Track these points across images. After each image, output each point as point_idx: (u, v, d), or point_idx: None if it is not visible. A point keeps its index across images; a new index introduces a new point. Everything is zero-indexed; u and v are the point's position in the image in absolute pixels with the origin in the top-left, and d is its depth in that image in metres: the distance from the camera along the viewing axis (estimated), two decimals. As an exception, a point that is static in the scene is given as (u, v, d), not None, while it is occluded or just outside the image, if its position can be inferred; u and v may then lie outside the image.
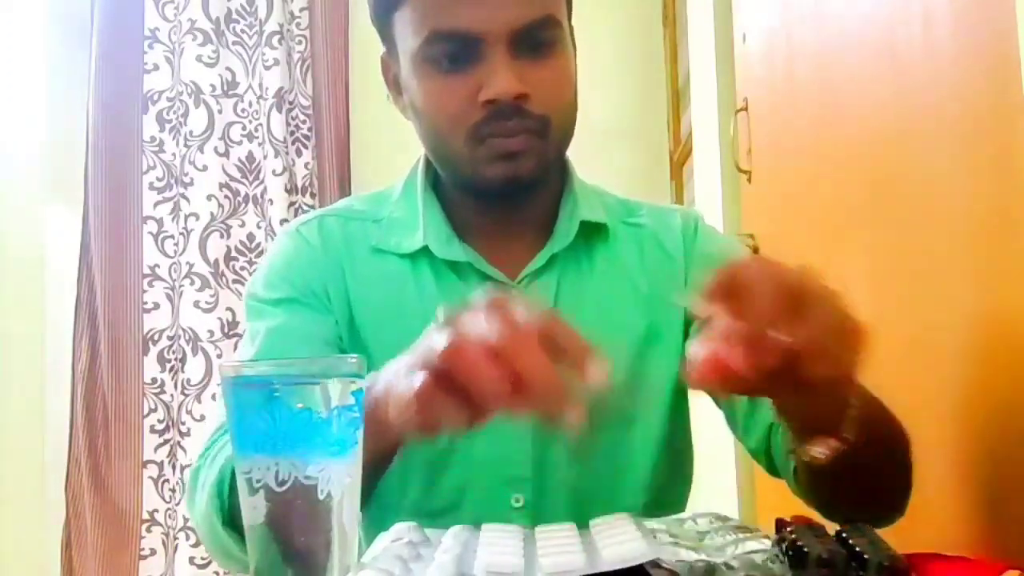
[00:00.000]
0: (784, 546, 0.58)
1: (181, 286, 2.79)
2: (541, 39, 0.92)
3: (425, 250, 0.99)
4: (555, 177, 1.02)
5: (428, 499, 0.96)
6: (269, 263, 1.04)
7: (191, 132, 2.82)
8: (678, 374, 1.00)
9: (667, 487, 1.01)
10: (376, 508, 0.93)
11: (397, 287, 0.99)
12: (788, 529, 0.60)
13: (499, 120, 0.91)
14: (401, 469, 0.87)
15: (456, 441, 0.95)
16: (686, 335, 1.01)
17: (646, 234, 1.05)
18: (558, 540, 0.62)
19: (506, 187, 0.94)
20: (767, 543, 0.59)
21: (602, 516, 0.69)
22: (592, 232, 1.02)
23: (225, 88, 2.85)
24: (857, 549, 0.57)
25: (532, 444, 0.96)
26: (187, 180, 2.81)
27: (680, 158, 2.74)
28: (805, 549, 0.56)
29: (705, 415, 1.08)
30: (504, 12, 0.89)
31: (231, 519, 0.84)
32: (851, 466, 0.72)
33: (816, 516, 0.66)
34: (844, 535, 0.60)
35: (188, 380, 2.76)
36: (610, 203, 1.07)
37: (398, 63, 0.97)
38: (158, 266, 2.80)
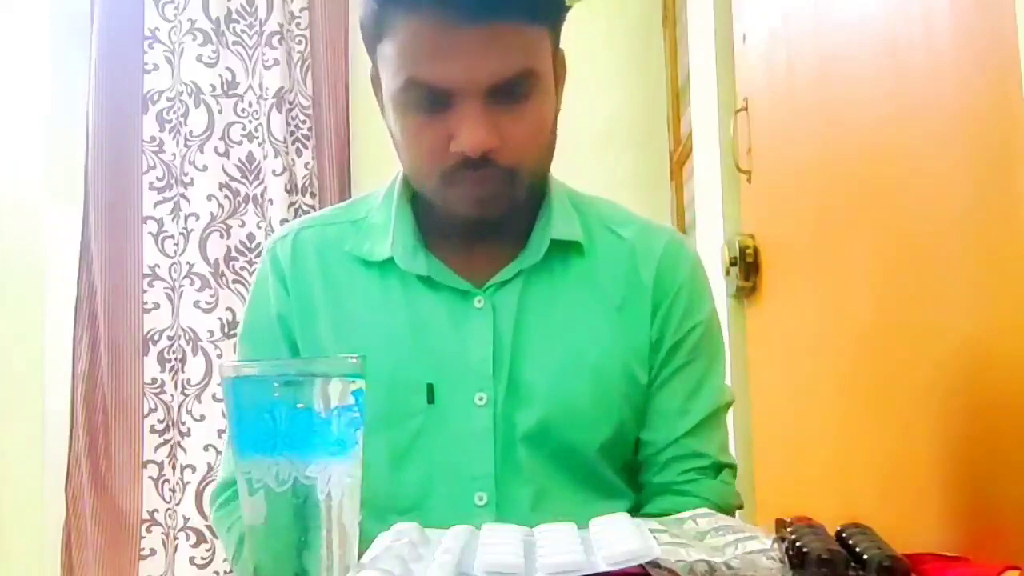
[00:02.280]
0: (784, 546, 0.58)
1: (181, 286, 2.79)
2: (517, 91, 0.92)
3: (394, 260, 1.02)
4: (533, 194, 1.04)
5: (392, 497, 0.99)
6: (249, 298, 1.10)
7: (191, 132, 2.82)
8: (636, 386, 1.03)
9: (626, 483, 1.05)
10: None
11: (363, 291, 1.03)
12: (788, 529, 0.60)
13: (469, 169, 0.93)
14: (363, 468, 0.89)
15: (416, 441, 0.99)
16: (652, 352, 1.04)
17: (625, 249, 1.06)
18: (558, 540, 0.62)
19: (475, 223, 0.98)
20: (767, 543, 0.59)
21: (602, 516, 0.69)
22: (567, 247, 1.04)
23: (225, 88, 2.84)
24: (857, 549, 0.57)
25: (494, 444, 0.99)
26: (187, 180, 2.81)
27: (680, 158, 2.74)
28: (805, 549, 0.56)
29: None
30: (480, 70, 0.90)
31: None
32: None
33: (817, 516, 0.66)
34: (844, 535, 0.60)
35: (188, 380, 2.76)
36: (594, 214, 1.08)
37: (380, 90, 1.00)
38: (158, 266, 2.80)
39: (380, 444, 0.98)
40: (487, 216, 0.97)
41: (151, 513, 2.72)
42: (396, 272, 1.02)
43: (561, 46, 1.02)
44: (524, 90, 0.93)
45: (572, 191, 1.09)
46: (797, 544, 0.57)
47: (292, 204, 2.79)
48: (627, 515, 0.68)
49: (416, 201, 1.05)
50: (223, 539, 1.06)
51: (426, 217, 1.03)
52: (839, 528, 0.61)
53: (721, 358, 1.11)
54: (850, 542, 0.58)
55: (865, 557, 0.56)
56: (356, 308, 1.03)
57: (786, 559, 0.57)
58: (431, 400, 0.99)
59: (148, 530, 2.71)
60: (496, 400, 0.99)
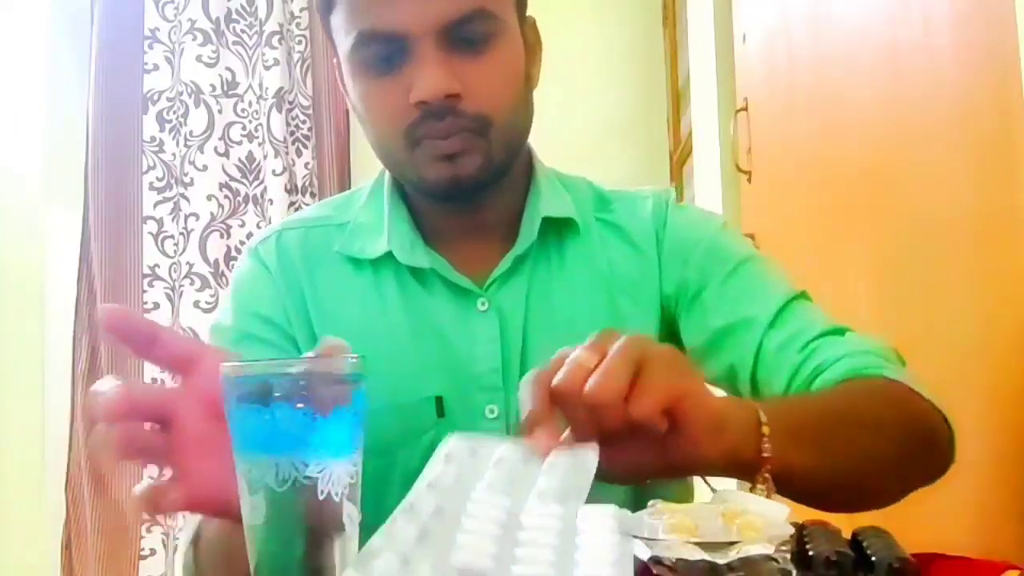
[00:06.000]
0: (794, 548, 0.58)
1: (181, 286, 2.79)
2: (474, 34, 0.87)
3: (390, 256, 0.96)
4: (519, 174, 0.98)
5: (380, 516, 0.93)
6: (231, 294, 1.03)
7: (191, 132, 2.82)
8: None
9: (651, 485, 0.95)
10: None
11: (357, 295, 0.97)
12: (803, 532, 0.60)
13: (432, 121, 0.87)
14: (383, 491, 0.84)
15: (428, 460, 0.92)
16: (665, 333, 0.97)
17: (615, 230, 1.01)
18: (537, 546, 0.60)
19: (450, 189, 0.91)
20: (771, 548, 0.59)
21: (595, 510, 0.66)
22: (562, 227, 0.98)
23: (225, 88, 2.84)
24: (868, 551, 0.57)
25: None
26: (187, 180, 2.81)
27: (680, 158, 2.74)
28: (811, 552, 0.56)
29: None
30: (429, 8, 0.85)
31: None
32: (811, 484, 0.72)
33: (828, 518, 0.66)
34: (859, 538, 0.60)
35: (188, 380, 2.76)
36: (583, 194, 1.03)
37: (343, 72, 0.96)
38: (158, 266, 2.80)
39: (391, 465, 0.92)
40: (461, 176, 0.90)
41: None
42: (391, 272, 0.97)
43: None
44: (483, 34, 0.88)
45: (556, 171, 1.04)
46: (805, 546, 0.57)
47: (292, 204, 2.79)
48: (615, 507, 0.65)
49: (406, 195, 1.00)
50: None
51: (418, 210, 0.99)
52: (855, 531, 0.61)
53: (765, 259, 0.99)
54: (863, 544, 0.58)
55: (874, 559, 0.56)
56: (351, 318, 0.96)
57: (794, 561, 0.57)
58: (441, 414, 0.93)
59: (148, 530, 2.71)
60: (508, 412, 0.93)
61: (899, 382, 0.82)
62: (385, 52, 0.88)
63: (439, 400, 0.93)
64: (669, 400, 0.63)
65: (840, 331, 0.89)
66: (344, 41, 0.90)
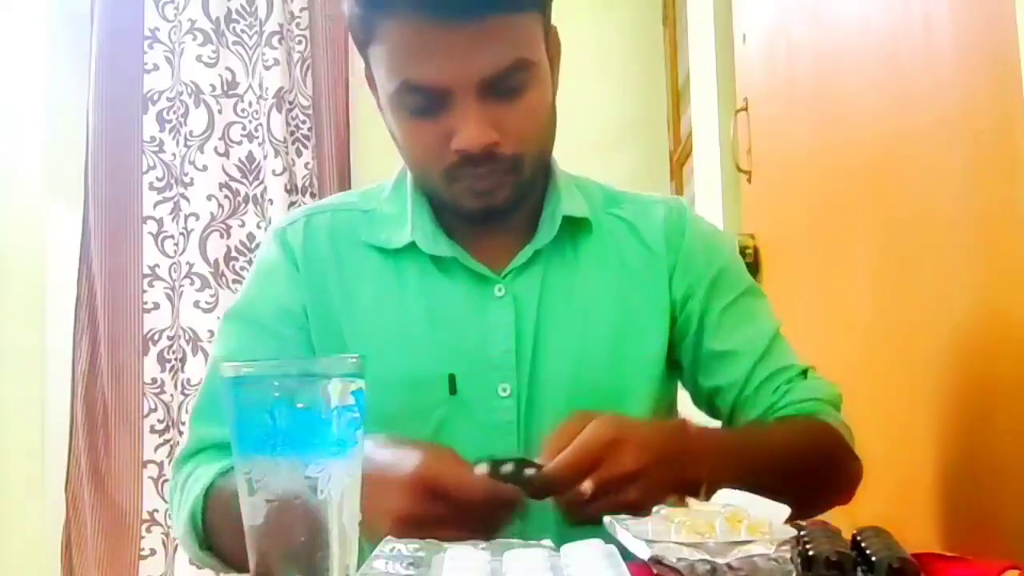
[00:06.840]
0: (795, 550, 0.58)
1: (181, 286, 2.79)
2: (512, 84, 0.92)
3: (412, 246, 1.02)
4: (538, 177, 1.03)
5: None
6: (252, 279, 1.08)
7: (191, 132, 2.82)
8: (660, 365, 1.03)
9: None
10: None
11: (379, 283, 1.02)
12: (803, 532, 0.60)
13: (471, 165, 0.93)
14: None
15: (439, 434, 0.97)
16: (673, 326, 1.04)
17: (626, 225, 1.07)
18: (525, 570, 0.60)
19: (481, 216, 0.98)
20: (771, 549, 0.59)
21: (579, 541, 0.67)
22: (576, 225, 1.04)
23: (225, 88, 2.84)
24: (868, 552, 0.57)
25: (518, 436, 0.98)
26: (187, 180, 2.81)
27: (680, 158, 2.74)
28: (811, 552, 0.56)
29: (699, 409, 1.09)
30: (473, 64, 0.89)
31: (208, 545, 0.95)
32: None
33: (829, 518, 0.66)
34: (859, 538, 0.60)
35: (188, 380, 2.76)
36: (594, 194, 1.09)
37: (376, 88, 1.00)
38: (158, 266, 2.80)
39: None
40: (492, 206, 0.97)
41: (151, 513, 2.72)
42: (413, 260, 1.02)
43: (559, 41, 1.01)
44: (520, 82, 0.92)
45: (568, 173, 1.09)
46: (806, 546, 0.57)
47: (292, 204, 2.79)
48: (600, 542, 0.66)
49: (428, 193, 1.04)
50: (174, 504, 1.00)
51: (439, 208, 1.03)
52: (855, 532, 0.61)
53: (760, 291, 1.10)
54: (863, 545, 0.58)
55: (874, 559, 0.56)
56: (372, 299, 1.02)
57: (795, 562, 0.57)
58: (453, 391, 0.98)
59: (148, 530, 2.71)
60: (520, 392, 0.98)
61: (835, 428, 1.00)
62: (426, 102, 0.92)
63: (452, 378, 0.99)
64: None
65: (805, 372, 1.04)
66: (385, 81, 0.95)
